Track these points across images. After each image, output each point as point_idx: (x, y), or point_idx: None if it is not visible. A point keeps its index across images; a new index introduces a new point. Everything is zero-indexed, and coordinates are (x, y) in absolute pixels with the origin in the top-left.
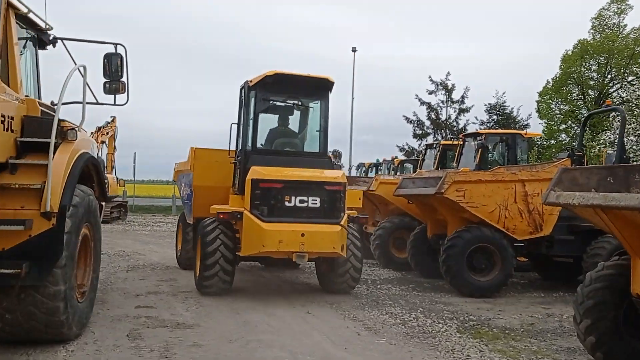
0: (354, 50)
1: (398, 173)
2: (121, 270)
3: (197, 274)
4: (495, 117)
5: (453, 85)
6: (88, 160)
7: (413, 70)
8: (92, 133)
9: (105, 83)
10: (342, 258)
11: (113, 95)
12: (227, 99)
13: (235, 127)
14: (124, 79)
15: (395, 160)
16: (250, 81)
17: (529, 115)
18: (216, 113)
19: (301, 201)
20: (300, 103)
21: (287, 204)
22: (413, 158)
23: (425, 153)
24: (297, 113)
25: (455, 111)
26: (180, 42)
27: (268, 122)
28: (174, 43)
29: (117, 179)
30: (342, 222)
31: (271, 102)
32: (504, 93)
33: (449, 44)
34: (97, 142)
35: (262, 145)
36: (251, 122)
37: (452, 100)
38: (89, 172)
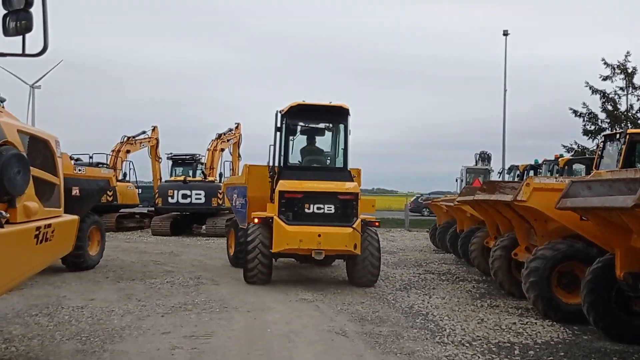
0: (505, 33)
1: (564, 176)
2: (158, 312)
3: (244, 269)
4: None
5: (634, 68)
6: None
7: (580, 66)
8: (212, 140)
9: (5, 17)
10: (361, 256)
11: (21, 39)
12: (384, 113)
13: (271, 147)
14: (33, 8)
15: (560, 159)
16: (282, 110)
17: None
18: (376, 126)
19: (318, 208)
20: (322, 127)
21: (306, 210)
22: (585, 157)
23: (603, 147)
24: (321, 134)
25: (638, 99)
26: (341, 53)
27: (297, 142)
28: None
29: None
30: (354, 225)
31: (298, 126)
32: None
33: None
34: (217, 150)
35: (292, 162)
36: (282, 143)
37: (634, 86)
38: None
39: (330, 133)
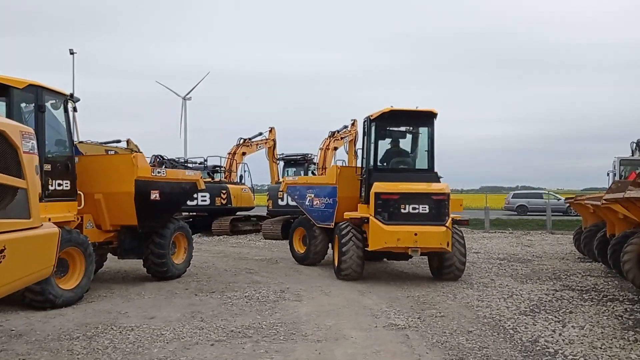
0: None
1: None
2: (211, 337)
3: (336, 265)
4: None
5: None
6: None
7: None
8: (325, 139)
9: None
10: (449, 252)
11: None
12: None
13: (359, 151)
14: None
15: None
16: (371, 116)
17: None
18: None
19: (414, 208)
20: (404, 129)
21: (402, 210)
22: None
23: None
24: (409, 137)
25: None
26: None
27: (384, 145)
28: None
29: None
30: (447, 224)
31: (387, 130)
32: None
33: None
34: (329, 149)
35: (381, 164)
36: (372, 146)
37: None
38: None
39: (415, 136)
